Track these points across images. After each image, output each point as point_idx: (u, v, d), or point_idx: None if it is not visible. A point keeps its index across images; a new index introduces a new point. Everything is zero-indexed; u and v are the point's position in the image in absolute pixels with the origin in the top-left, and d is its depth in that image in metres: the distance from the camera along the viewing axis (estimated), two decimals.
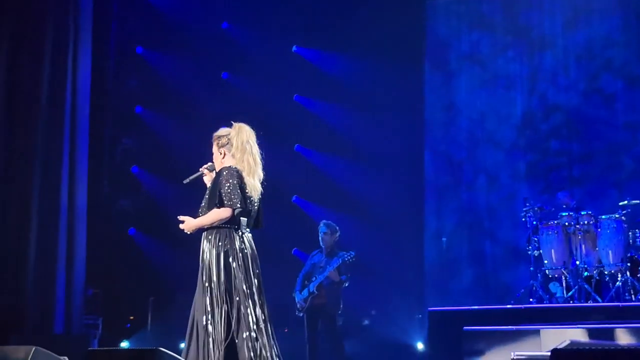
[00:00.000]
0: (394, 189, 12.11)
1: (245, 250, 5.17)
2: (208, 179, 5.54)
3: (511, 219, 11.11)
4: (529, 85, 11.66)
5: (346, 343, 11.05)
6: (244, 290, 5.07)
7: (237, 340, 4.96)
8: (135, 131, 12.56)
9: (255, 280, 5.18)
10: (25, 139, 10.39)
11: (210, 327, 4.97)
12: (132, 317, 11.53)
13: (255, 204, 5.37)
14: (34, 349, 4.84)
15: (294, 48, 12.73)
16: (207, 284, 5.10)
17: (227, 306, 5.03)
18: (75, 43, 10.77)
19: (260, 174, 5.41)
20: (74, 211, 10.53)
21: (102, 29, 11.46)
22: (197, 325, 5.01)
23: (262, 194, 5.43)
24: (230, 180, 5.18)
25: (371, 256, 11.42)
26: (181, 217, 5.35)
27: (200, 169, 5.61)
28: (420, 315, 11.52)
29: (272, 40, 12.54)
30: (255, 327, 5.02)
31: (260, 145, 5.63)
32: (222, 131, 5.51)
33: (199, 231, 5.30)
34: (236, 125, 5.48)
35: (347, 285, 8.27)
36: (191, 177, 5.61)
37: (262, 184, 5.45)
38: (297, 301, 8.31)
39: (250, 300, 5.08)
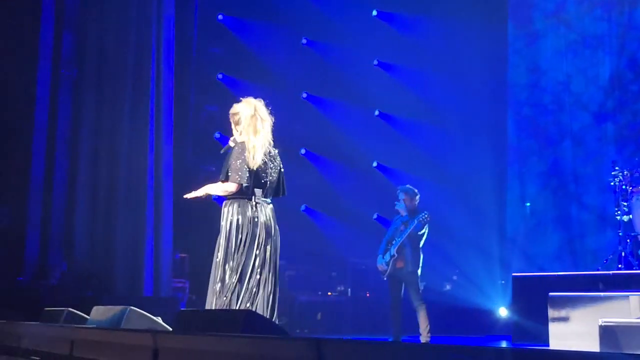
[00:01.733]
0: (476, 153, 11.95)
1: (256, 220, 5.38)
2: None
3: (598, 183, 10.80)
4: (618, 44, 11.21)
5: (427, 308, 11.07)
6: (245, 258, 5.32)
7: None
8: (217, 98, 12.74)
9: (263, 249, 5.39)
10: (112, 107, 10.71)
11: (218, 284, 5.30)
12: None
13: (270, 176, 5.51)
14: (129, 308, 5.04)
15: (374, 12, 12.61)
16: (219, 247, 5.41)
17: (230, 269, 5.31)
18: (159, 13, 10.98)
19: (266, 144, 5.52)
20: (160, 177, 10.83)
21: None
22: (211, 280, 5.37)
23: (281, 164, 5.60)
24: (238, 157, 5.39)
25: (453, 221, 11.34)
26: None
27: (230, 142, 5.77)
28: (503, 281, 11.40)
29: (352, 5, 12.46)
30: (243, 294, 5.26)
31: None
32: (234, 108, 5.66)
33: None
34: (244, 100, 5.66)
35: (424, 239, 8.08)
36: (224, 149, 5.81)
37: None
38: (378, 265, 8.28)
39: (249, 270, 5.31)
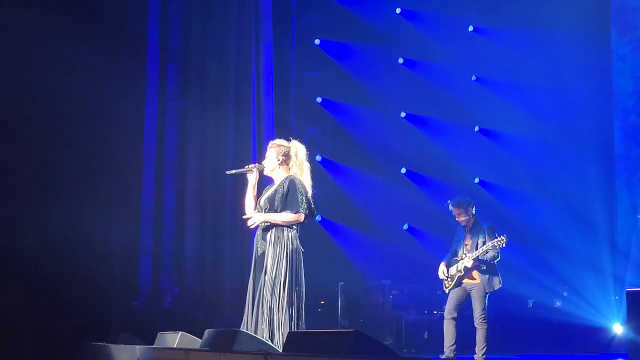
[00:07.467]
0: (581, 164, 11.65)
1: (299, 249, 5.80)
2: (252, 177, 5.92)
3: None
4: None
5: (537, 326, 10.77)
6: (300, 285, 5.71)
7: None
8: (317, 121, 12.91)
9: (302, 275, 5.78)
10: (216, 133, 11.03)
11: (277, 314, 5.52)
12: (322, 302, 11.87)
13: None
14: (240, 331, 5.17)
15: (470, 28, 12.52)
16: (274, 278, 5.64)
17: (292, 297, 5.61)
18: (258, 40, 11.28)
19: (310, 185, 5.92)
20: None
21: (282, 25, 11.89)
22: (263, 308, 5.56)
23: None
24: (303, 191, 5.74)
25: (561, 236, 11.06)
26: (248, 216, 5.87)
27: (247, 167, 5.92)
28: (616, 297, 11.00)
29: (447, 22, 12.41)
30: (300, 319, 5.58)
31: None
32: (282, 141, 5.99)
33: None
34: (294, 142, 5.98)
35: (498, 260, 7.64)
36: (236, 171, 5.90)
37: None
38: (441, 275, 7.64)
39: (301, 293, 5.69)
